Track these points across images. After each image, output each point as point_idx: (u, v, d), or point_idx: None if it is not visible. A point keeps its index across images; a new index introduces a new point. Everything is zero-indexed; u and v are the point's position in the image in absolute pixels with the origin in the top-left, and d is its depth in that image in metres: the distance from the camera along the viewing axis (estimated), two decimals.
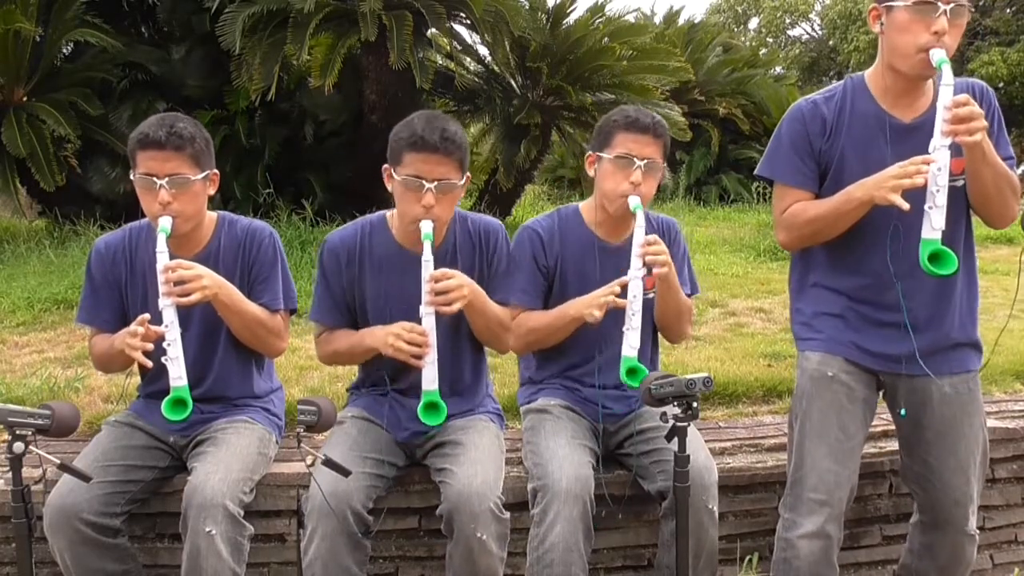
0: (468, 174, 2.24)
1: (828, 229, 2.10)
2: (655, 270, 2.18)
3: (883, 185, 1.94)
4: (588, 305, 2.23)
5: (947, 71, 1.88)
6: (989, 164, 1.97)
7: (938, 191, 1.89)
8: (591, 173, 2.37)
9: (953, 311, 2.13)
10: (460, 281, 2.12)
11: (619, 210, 2.27)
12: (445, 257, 2.28)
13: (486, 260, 2.34)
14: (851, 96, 2.12)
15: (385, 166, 2.21)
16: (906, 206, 1.90)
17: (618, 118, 2.30)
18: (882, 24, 2.01)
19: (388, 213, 2.34)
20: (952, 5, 1.91)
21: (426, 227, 2.11)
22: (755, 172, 2.29)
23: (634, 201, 2.22)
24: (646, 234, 2.20)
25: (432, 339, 2.11)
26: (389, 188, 2.23)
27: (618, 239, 2.36)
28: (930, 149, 1.91)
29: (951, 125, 1.86)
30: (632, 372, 2.17)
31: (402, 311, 2.17)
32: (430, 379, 2.11)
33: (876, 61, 2.11)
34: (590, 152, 2.36)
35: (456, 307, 2.11)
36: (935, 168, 1.89)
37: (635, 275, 2.18)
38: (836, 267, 2.16)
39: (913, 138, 2.02)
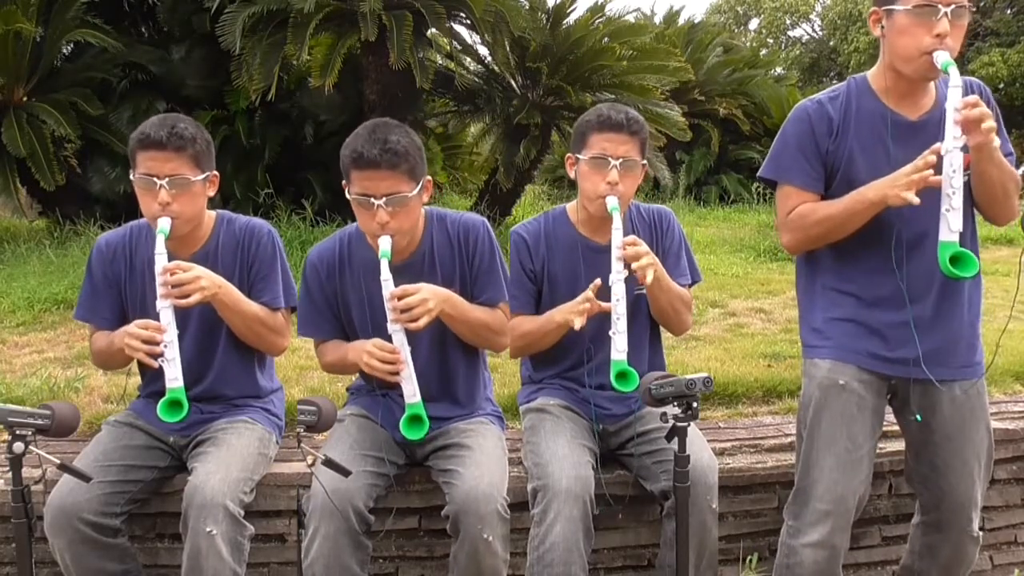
0: (428, 179, 2.17)
1: (837, 230, 2.08)
2: (637, 275, 2.14)
3: (896, 184, 1.93)
4: (570, 312, 2.21)
5: (954, 73, 1.88)
6: (996, 164, 1.96)
7: (953, 193, 1.89)
8: (572, 175, 2.35)
9: (962, 311, 2.12)
10: (424, 295, 2.07)
11: (599, 210, 2.25)
12: (423, 261, 2.25)
13: (467, 260, 2.29)
14: (855, 96, 2.11)
15: (344, 182, 2.15)
16: (917, 201, 1.89)
17: (591, 118, 2.27)
18: (883, 27, 2.01)
19: None
20: (952, 7, 1.90)
21: (384, 244, 2.06)
22: (759, 174, 2.25)
23: (611, 202, 2.20)
24: (627, 231, 2.19)
25: (405, 355, 2.08)
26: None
27: (604, 238, 2.32)
28: (942, 152, 1.90)
29: (962, 127, 1.86)
30: (622, 376, 2.13)
31: (385, 318, 2.12)
32: (409, 393, 2.09)
33: (878, 62, 2.10)
34: (569, 154, 2.35)
35: (423, 323, 2.07)
36: (950, 170, 1.88)
37: (616, 278, 2.15)
38: (844, 269, 2.15)
39: (919, 136, 2.02)
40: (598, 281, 2.18)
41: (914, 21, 1.93)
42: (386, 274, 2.05)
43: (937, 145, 1.90)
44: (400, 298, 2.05)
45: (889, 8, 1.97)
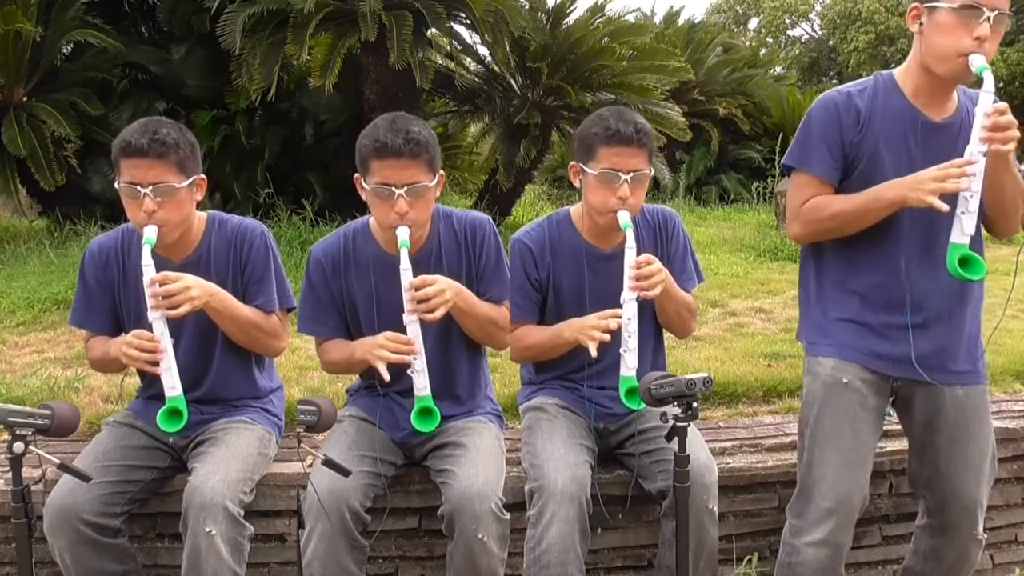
0: (441, 173, 2.19)
1: (850, 225, 2.07)
2: (648, 293, 2.13)
3: (920, 187, 1.91)
4: (581, 331, 2.19)
5: (988, 78, 1.88)
6: (1011, 174, 1.97)
7: (971, 196, 1.89)
8: (576, 183, 2.31)
9: (966, 318, 2.12)
10: (441, 287, 2.08)
11: (608, 223, 2.22)
12: (430, 258, 2.25)
13: (473, 257, 2.30)
14: (882, 91, 2.09)
15: (356, 175, 2.17)
16: (945, 208, 1.88)
17: (599, 131, 2.20)
18: (921, 24, 1.99)
19: (371, 218, 2.29)
20: (996, 12, 1.89)
21: (402, 234, 2.07)
22: (782, 162, 2.23)
23: (624, 218, 2.16)
24: (640, 226, 2.17)
25: (419, 346, 2.08)
26: (363, 197, 2.18)
27: (609, 246, 2.31)
28: (965, 154, 1.90)
29: (990, 132, 1.85)
30: (632, 393, 2.12)
31: (392, 316, 2.14)
32: (420, 386, 2.09)
33: (908, 59, 2.09)
34: (573, 163, 2.29)
35: (439, 313, 2.07)
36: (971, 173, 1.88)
37: (628, 298, 2.13)
38: (849, 267, 2.14)
39: (942, 137, 2.02)
40: (619, 311, 2.15)
41: (957, 21, 1.91)
42: (405, 263, 2.05)
43: (973, 157, 1.89)
44: (418, 288, 2.05)
45: (932, 5, 1.95)
